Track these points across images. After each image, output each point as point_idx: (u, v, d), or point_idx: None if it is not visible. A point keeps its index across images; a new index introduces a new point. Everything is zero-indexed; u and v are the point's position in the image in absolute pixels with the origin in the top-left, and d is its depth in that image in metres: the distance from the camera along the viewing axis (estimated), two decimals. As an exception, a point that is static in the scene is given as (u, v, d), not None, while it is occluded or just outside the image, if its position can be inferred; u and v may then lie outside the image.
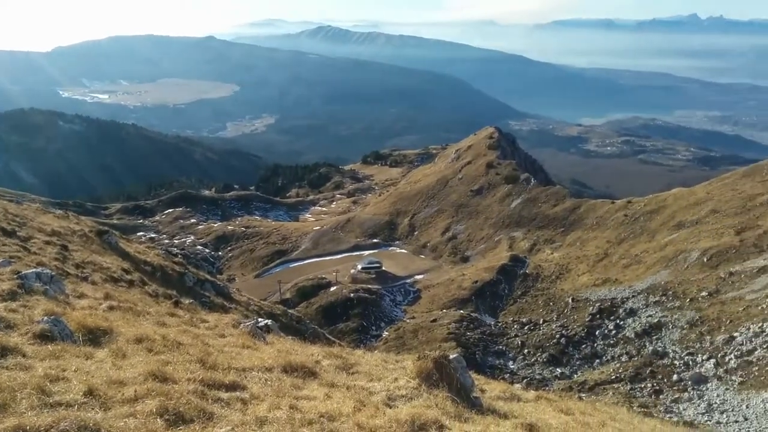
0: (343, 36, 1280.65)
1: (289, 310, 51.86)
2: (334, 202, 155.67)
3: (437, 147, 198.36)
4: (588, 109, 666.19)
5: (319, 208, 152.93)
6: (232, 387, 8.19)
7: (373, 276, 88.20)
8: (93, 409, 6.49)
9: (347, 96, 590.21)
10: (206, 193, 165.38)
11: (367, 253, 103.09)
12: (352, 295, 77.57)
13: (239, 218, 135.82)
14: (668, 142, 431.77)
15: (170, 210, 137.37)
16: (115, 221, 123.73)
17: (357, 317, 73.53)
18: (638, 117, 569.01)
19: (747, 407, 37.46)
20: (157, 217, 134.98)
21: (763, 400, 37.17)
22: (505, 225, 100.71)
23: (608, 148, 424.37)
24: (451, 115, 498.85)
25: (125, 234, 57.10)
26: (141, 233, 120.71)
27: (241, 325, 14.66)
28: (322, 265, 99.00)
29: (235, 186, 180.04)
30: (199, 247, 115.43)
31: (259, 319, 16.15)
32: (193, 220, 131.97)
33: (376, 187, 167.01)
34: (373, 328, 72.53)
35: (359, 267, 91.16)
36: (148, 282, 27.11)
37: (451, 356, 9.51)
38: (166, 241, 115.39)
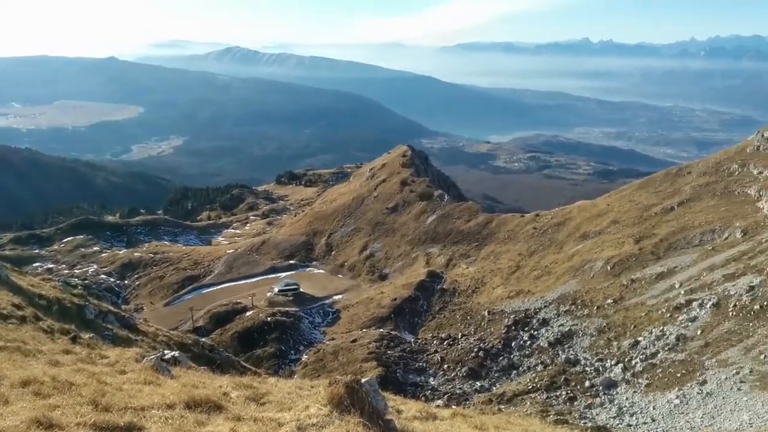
0: (253, 57, 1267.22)
1: (202, 339, 49.75)
2: (248, 224, 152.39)
3: (352, 166, 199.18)
4: (495, 127, 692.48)
5: (233, 230, 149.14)
6: (128, 429, 7.53)
7: (291, 298, 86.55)
8: (-35, 465, 5.78)
9: (259, 117, 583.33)
10: (110, 218, 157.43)
11: (283, 275, 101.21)
12: (269, 319, 75.66)
13: (146, 244, 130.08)
14: (570, 158, 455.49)
15: (70, 238, 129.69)
16: (7, 252, 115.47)
17: (275, 342, 71.70)
18: (541, 134, 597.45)
19: (654, 408, 39.35)
20: (55, 246, 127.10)
21: (668, 401, 39.17)
22: (421, 241, 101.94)
23: (516, 164, 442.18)
24: (364, 134, 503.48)
25: (19, 266, 53.04)
26: (37, 264, 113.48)
27: (145, 359, 13.64)
28: (237, 290, 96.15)
29: (142, 210, 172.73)
30: (102, 276, 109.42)
31: (165, 352, 15.13)
32: (95, 248, 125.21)
33: (292, 208, 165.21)
34: (292, 352, 70.97)
35: (276, 290, 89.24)
36: (42, 317, 25.01)
37: (363, 379, 9.17)
38: (66, 271, 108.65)
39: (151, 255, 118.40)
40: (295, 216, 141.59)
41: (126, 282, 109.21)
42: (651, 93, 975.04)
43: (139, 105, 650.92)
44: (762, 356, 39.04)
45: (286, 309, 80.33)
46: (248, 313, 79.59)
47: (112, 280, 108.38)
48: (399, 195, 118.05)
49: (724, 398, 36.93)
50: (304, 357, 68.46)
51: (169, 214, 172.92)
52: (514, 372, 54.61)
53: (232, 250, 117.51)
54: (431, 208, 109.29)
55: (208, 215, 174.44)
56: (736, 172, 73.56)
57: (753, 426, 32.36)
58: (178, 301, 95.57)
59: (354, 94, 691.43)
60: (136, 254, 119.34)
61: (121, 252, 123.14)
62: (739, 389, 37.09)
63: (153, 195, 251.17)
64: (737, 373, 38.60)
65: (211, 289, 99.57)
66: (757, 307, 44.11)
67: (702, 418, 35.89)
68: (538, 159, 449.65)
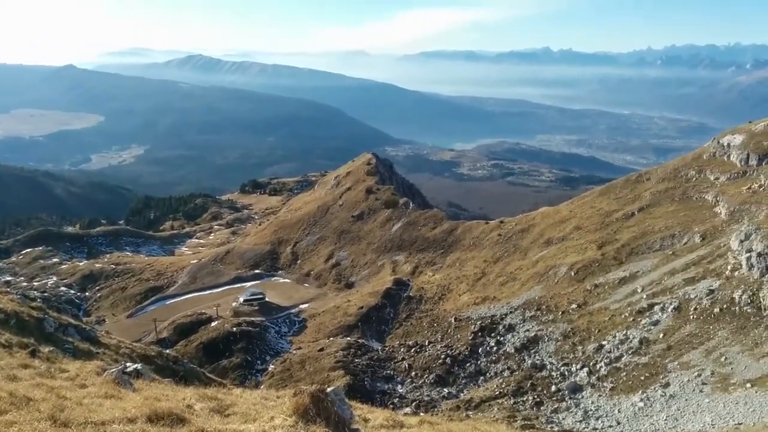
0: (215, 65, 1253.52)
1: (166, 351, 48.63)
2: (212, 234, 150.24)
3: (316, 174, 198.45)
4: (459, 134, 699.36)
5: (196, 240, 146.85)
6: (88, 446, 7.19)
7: (256, 308, 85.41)
8: None
9: (222, 125, 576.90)
10: (70, 229, 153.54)
11: (249, 284, 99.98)
12: (234, 329, 74.49)
13: (108, 255, 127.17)
14: (533, 165, 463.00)
15: (28, 250, 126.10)
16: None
17: (241, 352, 70.62)
18: (504, 141, 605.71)
19: (619, 411, 39.99)
20: (13, 258, 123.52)
21: (632, 404, 39.85)
22: (387, 249, 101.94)
23: (479, 172, 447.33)
24: (328, 142, 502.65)
25: (-29, 279, 51.12)
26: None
27: (106, 372, 13.20)
28: (201, 300, 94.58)
29: (103, 221, 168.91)
30: (62, 288, 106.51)
31: (128, 364, 14.67)
32: (55, 260, 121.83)
33: (256, 217, 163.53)
34: (259, 362, 70.00)
35: (241, 299, 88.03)
36: (0, 331, 24.14)
37: (329, 389, 9.06)
38: (25, 284, 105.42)
39: (113, 266, 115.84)
40: (260, 225, 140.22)
41: (87, 294, 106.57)
42: (610, 101, 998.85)
43: (98, 113, 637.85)
44: (722, 358, 40.05)
45: (252, 319, 79.26)
46: (213, 324, 78.29)
47: (72, 292, 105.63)
48: (364, 203, 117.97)
49: (686, 400, 37.76)
50: (271, 367, 67.62)
51: (130, 224, 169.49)
52: (482, 378, 54.87)
53: (196, 260, 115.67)
54: (396, 215, 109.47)
55: (171, 225, 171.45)
56: (694, 178, 75.63)
57: (715, 427, 33.13)
58: (141, 313, 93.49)
59: (317, 102, 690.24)
60: (97, 265, 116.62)
61: (81, 263, 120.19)
62: (701, 391, 37.99)
63: (114, 205, 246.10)
64: (699, 375, 39.54)
65: (175, 299, 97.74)
66: (717, 310, 45.29)
67: (666, 420, 36.61)
68: (501, 166, 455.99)
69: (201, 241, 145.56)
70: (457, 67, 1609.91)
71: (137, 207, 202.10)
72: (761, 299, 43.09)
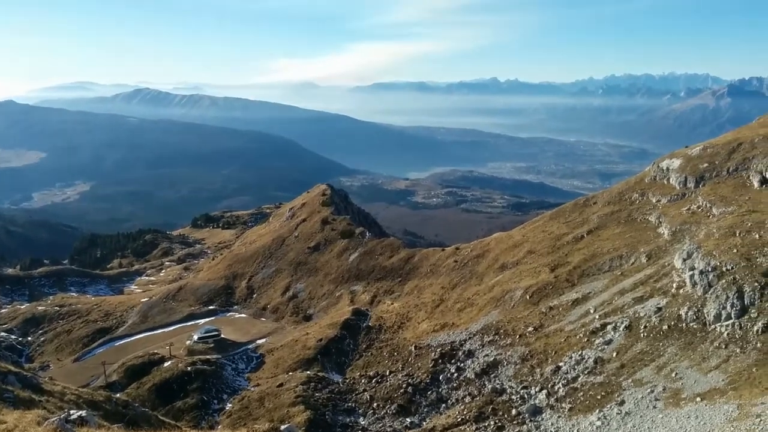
0: (164, 99, 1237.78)
1: (115, 395, 46.75)
2: (163, 270, 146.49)
3: (271, 206, 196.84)
4: (412, 164, 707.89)
5: (147, 278, 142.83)
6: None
7: (212, 345, 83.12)
8: None
9: (173, 159, 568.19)
10: (9, 271, 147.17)
11: (203, 321, 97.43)
12: (189, 368, 72.18)
13: (51, 297, 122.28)
14: (485, 192, 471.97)
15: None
16: None
17: (196, 392, 68.36)
18: (457, 170, 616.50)
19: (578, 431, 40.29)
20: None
21: (590, 423, 40.27)
22: (345, 279, 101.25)
23: (434, 200, 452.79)
24: (282, 174, 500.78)
25: None
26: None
27: (47, 421, 12.52)
28: (153, 340, 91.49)
29: (45, 261, 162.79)
30: (2, 334, 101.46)
31: (72, 412, 13.95)
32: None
33: (209, 251, 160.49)
34: (215, 401, 67.87)
35: (195, 337, 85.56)
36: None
37: (283, 426, 8.85)
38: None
39: (57, 308, 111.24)
40: (213, 259, 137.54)
41: (30, 338, 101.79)
42: (556, 128, 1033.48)
43: (40, 150, 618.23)
44: (673, 374, 41.01)
45: (207, 357, 77.02)
46: (166, 364, 75.66)
47: (13, 337, 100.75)
48: (320, 234, 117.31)
49: (641, 417, 38.39)
50: (228, 406, 65.64)
51: (76, 263, 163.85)
52: (443, 405, 54.61)
53: (146, 299, 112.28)
54: (353, 245, 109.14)
55: (120, 263, 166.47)
56: (637, 201, 78.13)
57: (670, 442, 33.70)
58: (88, 356, 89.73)
59: (270, 134, 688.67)
60: (40, 308, 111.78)
61: (23, 306, 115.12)
62: (654, 407, 38.72)
63: (57, 244, 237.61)
64: (652, 391, 40.35)
65: (124, 340, 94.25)
66: (665, 327, 46.49)
67: (623, 437, 37.09)
68: (455, 194, 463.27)
69: (152, 278, 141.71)
70: (409, 98, 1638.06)
71: (82, 245, 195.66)
72: (705, 315, 44.49)
